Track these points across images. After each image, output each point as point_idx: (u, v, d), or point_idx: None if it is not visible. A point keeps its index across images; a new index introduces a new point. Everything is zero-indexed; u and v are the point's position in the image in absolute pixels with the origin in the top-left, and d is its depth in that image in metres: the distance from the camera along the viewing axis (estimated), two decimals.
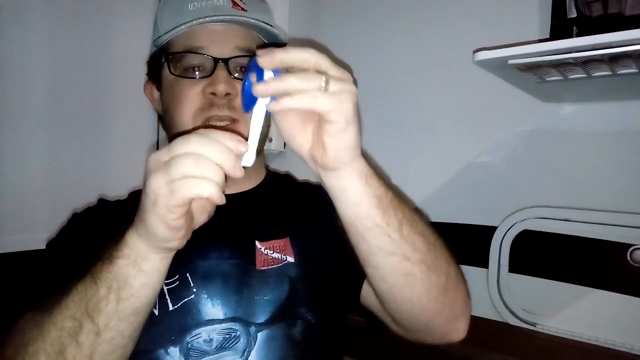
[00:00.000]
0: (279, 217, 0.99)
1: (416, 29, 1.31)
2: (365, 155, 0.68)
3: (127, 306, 0.65)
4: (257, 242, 0.92)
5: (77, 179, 1.40)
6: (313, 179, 1.10)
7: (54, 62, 1.35)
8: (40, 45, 1.33)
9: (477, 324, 1.17)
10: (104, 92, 1.47)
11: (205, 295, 0.86)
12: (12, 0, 1.26)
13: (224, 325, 0.85)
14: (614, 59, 0.76)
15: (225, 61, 0.89)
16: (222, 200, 0.60)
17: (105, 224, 0.88)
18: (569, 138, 1.09)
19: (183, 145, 0.58)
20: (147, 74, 1.03)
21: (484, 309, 1.17)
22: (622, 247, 1.00)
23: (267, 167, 1.13)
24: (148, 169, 0.60)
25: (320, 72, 0.58)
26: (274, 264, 0.91)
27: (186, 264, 0.87)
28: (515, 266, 1.14)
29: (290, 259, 0.92)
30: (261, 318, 0.86)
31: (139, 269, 0.65)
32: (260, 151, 0.98)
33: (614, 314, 1.02)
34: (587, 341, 1.03)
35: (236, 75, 0.90)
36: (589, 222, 1.04)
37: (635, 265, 0.98)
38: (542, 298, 1.11)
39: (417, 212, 0.76)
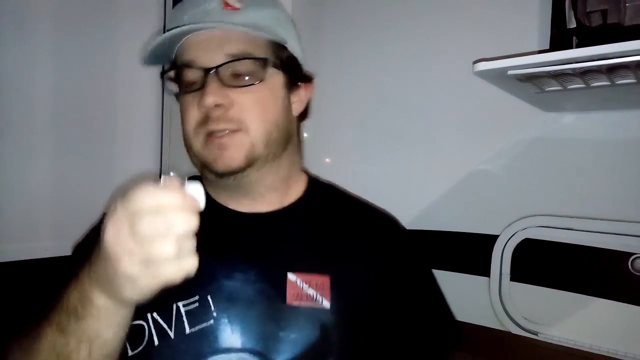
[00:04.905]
0: (320, 246, 0.88)
1: (418, 40, 1.32)
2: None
3: (101, 353, 0.65)
4: (289, 274, 0.83)
5: (81, 188, 1.41)
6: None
7: (59, 73, 1.37)
8: (45, 57, 1.34)
9: (479, 332, 1.17)
10: (108, 102, 1.48)
11: (226, 321, 0.80)
12: (17, 12, 1.28)
13: (241, 355, 0.79)
14: (612, 70, 0.76)
15: (216, 70, 0.80)
16: None
17: None
18: (570, 147, 1.10)
19: (151, 226, 0.53)
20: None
21: (486, 318, 1.17)
22: (623, 256, 1.00)
23: (307, 174, 0.98)
24: (116, 247, 0.55)
25: None
26: (307, 301, 0.82)
27: (207, 284, 0.81)
28: (517, 275, 1.14)
29: (326, 303, 0.83)
30: (282, 357, 0.80)
31: (109, 324, 0.63)
32: (276, 155, 0.85)
33: (616, 322, 1.02)
34: (589, 350, 1.03)
35: (233, 82, 0.81)
36: (590, 231, 1.04)
37: (636, 273, 0.99)
38: (544, 307, 1.11)
39: None
